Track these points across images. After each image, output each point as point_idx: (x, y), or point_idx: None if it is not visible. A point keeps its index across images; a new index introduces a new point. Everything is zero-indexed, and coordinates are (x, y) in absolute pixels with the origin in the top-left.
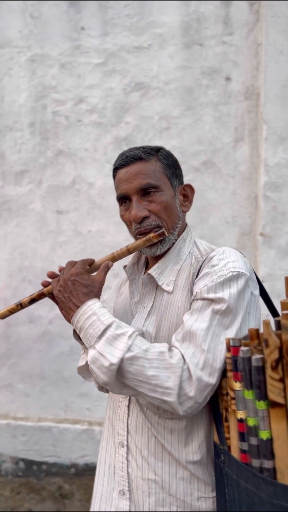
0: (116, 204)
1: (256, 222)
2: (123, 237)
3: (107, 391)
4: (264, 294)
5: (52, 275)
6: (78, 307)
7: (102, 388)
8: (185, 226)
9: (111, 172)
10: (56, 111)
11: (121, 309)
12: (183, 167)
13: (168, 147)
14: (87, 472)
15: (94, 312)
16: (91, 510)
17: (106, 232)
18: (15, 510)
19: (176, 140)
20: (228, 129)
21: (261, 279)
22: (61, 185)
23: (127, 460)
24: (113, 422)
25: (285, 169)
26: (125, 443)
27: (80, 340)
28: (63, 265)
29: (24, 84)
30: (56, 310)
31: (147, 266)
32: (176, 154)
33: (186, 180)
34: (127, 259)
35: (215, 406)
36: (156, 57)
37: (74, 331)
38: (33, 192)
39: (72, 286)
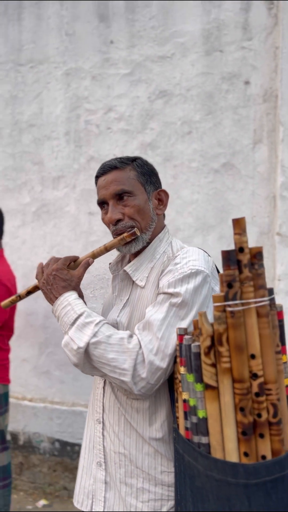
0: None
1: (274, 221)
2: None
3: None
4: None
5: (42, 267)
6: (56, 298)
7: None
8: (162, 227)
9: None
10: (88, 120)
11: (107, 302)
12: (204, 170)
13: (189, 150)
14: None
15: (69, 303)
16: (76, 480)
17: None
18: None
19: (197, 144)
20: (247, 131)
21: (277, 278)
22: (93, 189)
23: (103, 435)
24: (93, 401)
25: None
26: (101, 420)
27: None
28: (94, 262)
29: (60, 96)
30: (89, 303)
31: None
32: (197, 157)
33: (207, 181)
34: (113, 257)
35: (171, 389)
36: (178, 65)
37: None
38: (68, 196)
39: (53, 280)
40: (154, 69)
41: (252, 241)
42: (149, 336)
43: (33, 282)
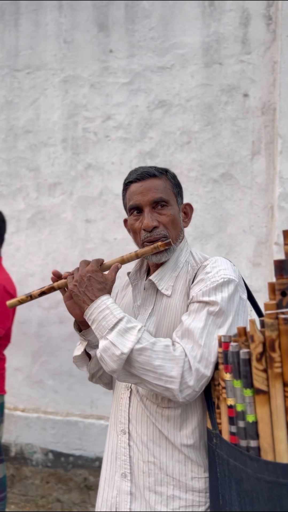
0: None
1: (272, 231)
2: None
3: (98, 382)
4: (251, 298)
5: (57, 274)
6: (92, 301)
7: (93, 378)
8: (183, 238)
9: None
10: (86, 128)
11: (125, 312)
12: (203, 179)
13: (188, 160)
14: None
15: (107, 306)
16: (98, 492)
17: (130, 240)
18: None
19: (196, 154)
20: (245, 143)
21: None
22: (90, 196)
23: (129, 445)
24: (116, 412)
25: None
26: (127, 430)
27: (80, 331)
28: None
29: (58, 103)
30: None
31: (148, 273)
32: (196, 167)
33: (205, 191)
34: (131, 266)
35: (208, 396)
36: (178, 76)
37: (75, 322)
38: (64, 203)
39: (88, 282)
40: (153, 79)
41: (249, 251)
42: (190, 343)
43: (47, 283)
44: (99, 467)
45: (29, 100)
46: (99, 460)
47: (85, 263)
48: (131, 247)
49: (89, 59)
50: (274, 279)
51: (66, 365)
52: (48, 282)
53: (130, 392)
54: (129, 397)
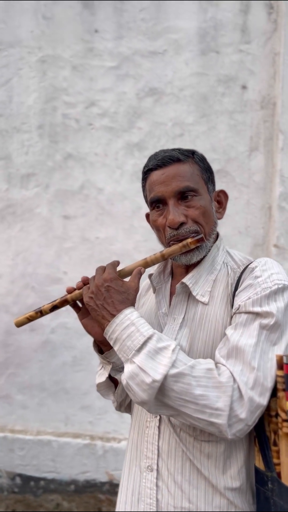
0: (126, 211)
1: (270, 233)
2: (132, 245)
3: (126, 411)
4: None
5: (86, 281)
6: (114, 316)
7: (121, 407)
8: (217, 234)
9: (121, 178)
10: (66, 114)
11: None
12: None
13: None
14: (87, 489)
15: (132, 322)
16: None
17: (114, 239)
18: None
19: (189, 147)
20: (243, 138)
21: None
22: (69, 190)
23: (156, 485)
24: (140, 444)
25: None
26: (155, 467)
27: (101, 353)
28: (68, 270)
29: (34, 85)
30: (59, 318)
31: (172, 276)
32: None
33: None
34: (153, 268)
35: (260, 429)
36: (170, 63)
37: (95, 343)
38: (39, 196)
39: (107, 293)
40: (143, 64)
41: (245, 253)
42: (239, 365)
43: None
44: (75, 491)
45: (0, 80)
46: (74, 483)
47: (102, 269)
48: (116, 248)
49: (72, 39)
50: None
51: (37, 377)
52: (17, 284)
53: (160, 420)
54: (159, 427)
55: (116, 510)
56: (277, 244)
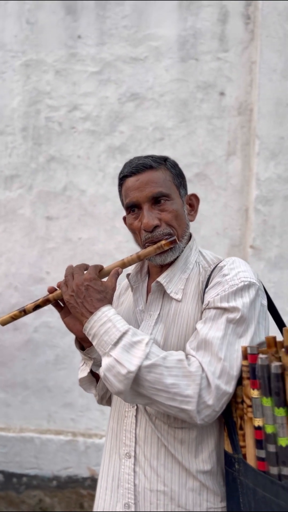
0: (107, 212)
1: (246, 234)
2: (114, 245)
3: (108, 404)
4: (271, 304)
5: (52, 289)
6: (92, 313)
7: (103, 400)
8: (190, 235)
9: (104, 180)
10: (49, 117)
11: (124, 318)
12: None
13: None
14: (69, 484)
15: (109, 319)
16: None
17: (96, 239)
18: None
19: (169, 151)
20: (220, 142)
21: None
22: (52, 191)
23: (134, 471)
24: (119, 433)
25: (276, 183)
26: (132, 453)
27: (83, 350)
28: (51, 270)
29: (18, 89)
30: (42, 317)
31: (149, 275)
32: None
33: None
34: (130, 268)
35: (227, 415)
36: (151, 69)
37: (76, 340)
38: (22, 197)
39: (86, 292)
40: (125, 70)
41: (223, 253)
42: (208, 356)
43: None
44: (57, 487)
45: None
46: (57, 479)
47: (81, 269)
48: (98, 248)
49: (55, 44)
50: None
51: (20, 376)
52: (1, 283)
53: (137, 410)
54: (136, 416)
55: (96, 495)
56: (253, 245)
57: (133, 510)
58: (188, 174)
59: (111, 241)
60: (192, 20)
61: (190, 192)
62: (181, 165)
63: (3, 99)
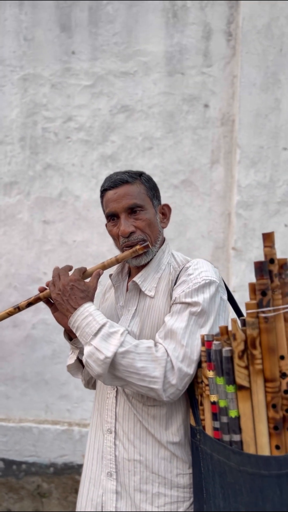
0: (100, 216)
1: (229, 237)
2: (107, 247)
3: (93, 388)
4: (231, 298)
5: (42, 289)
6: (75, 309)
7: (89, 384)
8: (163, 240)
9: (96, 187)
10: (46, 128)
11: (107, 313)
12: (164, 185)
13: (150, 166)
14: (65, 471)
15: (90, 313)
16: (79, 492)
17: (90, 242)
18: None
19: (158, 160)
20: (205, 151)
21: (232, 289)
22: (49, 197)
23: (115, 444)
24: (102, 412)
25: (255, 190)
26: (113, 429)
27: (70, 341)
28: (48, 271)
29: (16, 101)
30: (39, 315)
31: (129, 275)
32: (158, 173)
33: (166, 196)
34: (112, 269)
35: (191, 394)
36: (140, 83)
37: (65, 332)
38: (21, 203)
39: (71, 291)
40: (116, 83)
41: (207, 255)
42: (173, 344)
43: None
44: (54, 473)
45: None
46: (53, 466)
47: (67, 270)
48: (91, 250)
49: (51, 59)
50: (230, 283)
51: (20, 370)
52: (0, 283)
53: (117, 391)
54: (116, 397)
55: (84, 466)
56: (235, 247)
57: (114, 477)
58: (174, 181)
59: (104, 244)
60: (178, 37)
61: (178, 196)
62: (168, 173)
63: (2, 111)
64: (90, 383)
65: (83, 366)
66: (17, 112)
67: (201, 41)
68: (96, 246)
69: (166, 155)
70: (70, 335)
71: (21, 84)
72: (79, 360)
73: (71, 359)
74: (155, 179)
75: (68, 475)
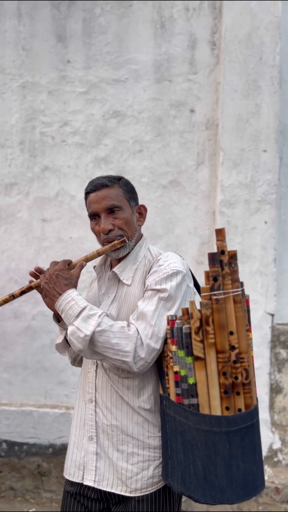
0: None
1: (214, 233)
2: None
3: (79, 365)
4: (197, 286)
5: (38, 270)
6: (60, 294)
7: (74, 362)
8: (141, 236)
9: None
10: (43, 132)
11: (91, 299)
12: (153, 185)
13: (140, 167)
14: (63, 451)
15: (72, 298)
16: (66, 456)
17: (85, 239)
18: None
19: (147, 161)
20: (191, 154)
21: None
22: (46, 197)
23: (95, 412)
24: (84, 384)
25: (237, 189)
26: (93, 399)
27: (59, 323)
28: (46, 266)
29: (16, 107)
30: (38, 307)
31: (111, 267)
32: (147, 174)
33: (156, 196)
34: (96, 261)
35: (159, 366)
36: (131, 89)
37: (54, 315)
38: (21, 202)
39: (56, 279)
40: (108, 90)
41: (194, 250)
42: (143, 324)
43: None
44: (53, 453)
45: None
46: (52, 447)
47: (54, 263)
48: (86, 246)
49: (48, 68)
50: None
51: (21, 358)
52: (2, 278)
53: (96, 366)
54: (96, 371)
55: (70, 432)
56: None
57: (95, 441)
58: (163, 181)
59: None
60: (165, 46)
61: (166, 195)
62: (157, 174)
63: (3, 117)
64: (76, 361)
65: (70, 345)
66: (17, 118)
67: (187, 50)
68: (91, 242)
69: (154, 157)
70: (58, 318)
71: (20, 91)
72: (66, 340)
73: (59, 339)
74: (145, 179)
75: (65, 456)
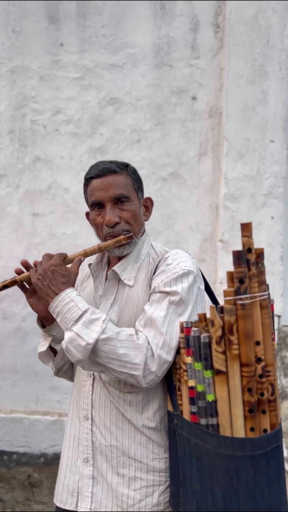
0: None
1: (216, 229)
2: (96, 240)
3: (64, 376)
4: (208, 288)
5: (25, 264)
6: (57, 294)
7: (59, 372)
8: (144, 231)
9: None
10: (34, 120)
11: (86, 302)
12: (152, 178)
13: (138, 158)
14: (56, 461)
15: (72, 299)
16: (57, 480)
17: (79, 234)
18: None
19: (146, 152)
20: (193, 144)
21: (219, 281)
22: (38, 190)
23: (91, 431)
24: (79, 399)
25: (242, 182)
26: (89, 416)
27: (43, 327)
28: None
29: (5, 93)
30: (29, 307)
31: (109, 264)
32: (146, 165)
33: (155, 189)
34: (92, 258)
35: (169, 380)
36: (129, 75)
37: (38, 319)
38: (10, 196)
39: (52, 275)
40: (105, 76)
41: (195, 247)
42: (153, 332)
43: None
44: (44, 463)
45: None
46: (44, 456)
47: (49, 256)
48: (80, 242)
49: (39, 51)
50: (217, 274)
51: (10, 361)
52: None
53: (93, 379)
54: (92, 384)
55: (62, 453)
56: (222, 239)
57: (91, 463)
58: (163, 173)
59: (93, 236)
60: (165, 29)
61: (166, 188)
62: (156, 165)
63: None
64: (61, 372)
65: (55, 354)
66: (6, 105)
67: (188, 33)
68: (86, 238)
69: (154, 148)
70: (43, 322)
71: (10, 77)
72: (51, 348)
73: (43, 346)
74: (143, 171)
75: (58, 465)
